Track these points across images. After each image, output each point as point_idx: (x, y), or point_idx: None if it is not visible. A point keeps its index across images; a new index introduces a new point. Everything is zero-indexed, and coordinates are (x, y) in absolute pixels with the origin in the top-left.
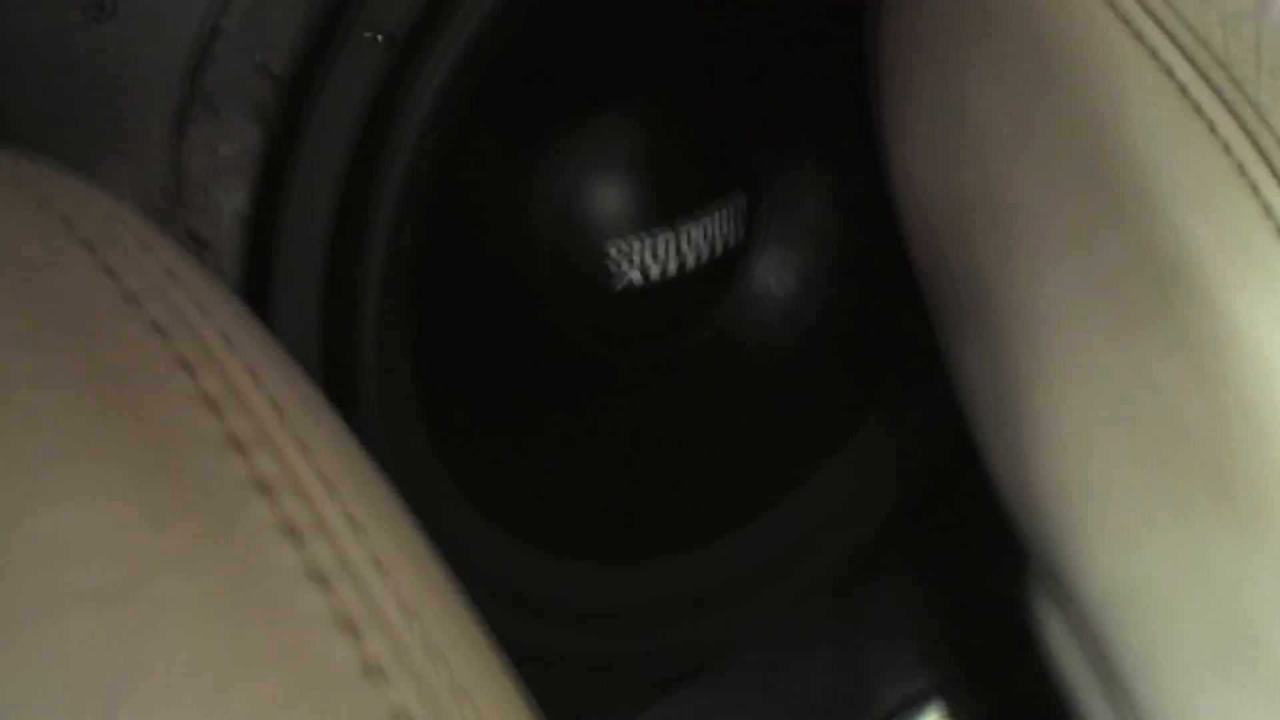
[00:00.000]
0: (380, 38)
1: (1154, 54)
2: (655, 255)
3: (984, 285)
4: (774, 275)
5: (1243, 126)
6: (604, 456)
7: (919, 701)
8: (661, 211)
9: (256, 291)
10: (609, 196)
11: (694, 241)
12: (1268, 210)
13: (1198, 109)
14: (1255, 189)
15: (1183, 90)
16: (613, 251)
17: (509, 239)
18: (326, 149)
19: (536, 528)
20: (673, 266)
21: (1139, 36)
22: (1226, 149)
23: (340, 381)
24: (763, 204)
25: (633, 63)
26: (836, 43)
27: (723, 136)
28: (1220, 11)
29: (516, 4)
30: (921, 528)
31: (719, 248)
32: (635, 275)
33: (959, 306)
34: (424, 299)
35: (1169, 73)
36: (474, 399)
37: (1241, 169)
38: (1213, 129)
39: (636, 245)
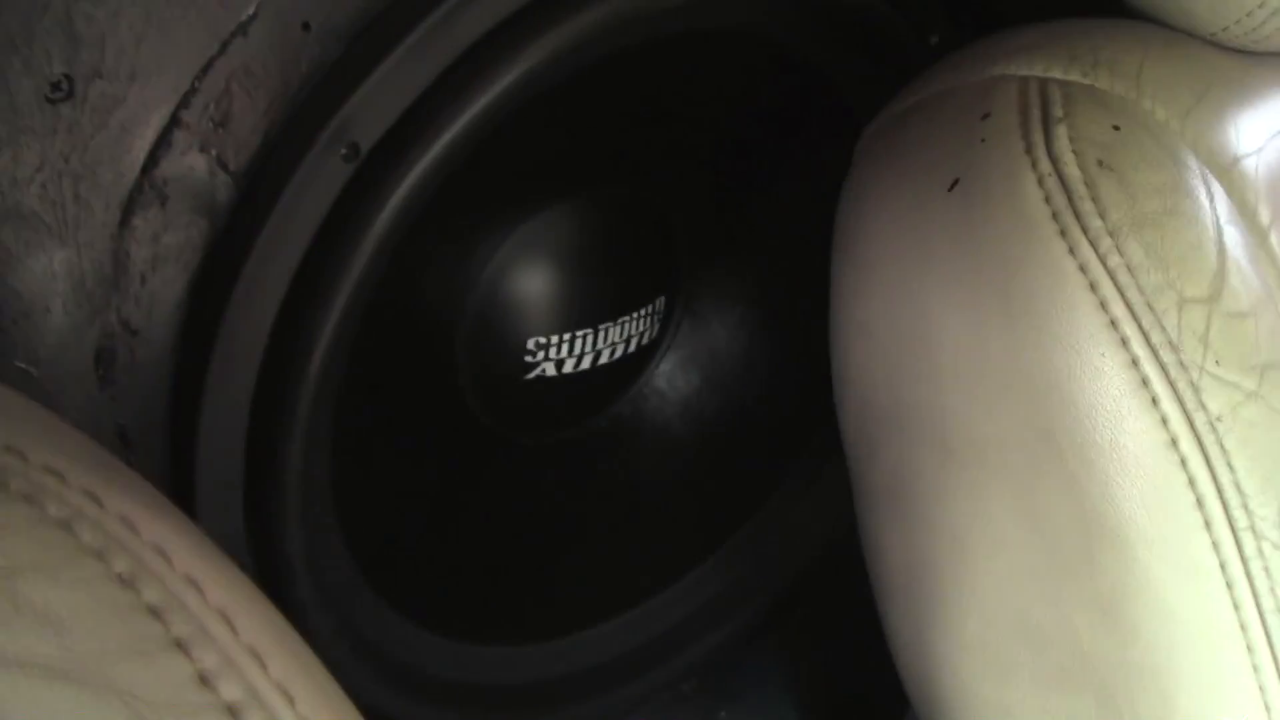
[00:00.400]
0: (344, 150)
1: (1114, 324)
2: (572, 351)
3: (916, 485)
4: (678, 372)
5: (1181, 405)
6: (506, 537)
7: None
8: (584, 313)
9: (187, 385)
10: (537, 296)
11: (609, 339)
12: (1191, 482)
13: (1145, 382)
14: (1184, 462)
15: (1134, 362)
16: (531, 345)
17: (435, 332)
18: (276, 252)
19: (444, 615)
20: (586, 362)
21: (1103, 305)
22: (1164, 422)
23: (262, 483)
24: (678, 305)
25: (573, 168)
26: (773, 168)
27: (652, 240)
28: (1179, 295)
29: (484, 122)
30: (792, 620)
31: (632, 346)
32: (549, 368)
33: (886, 494)
34: (347, 389)
35: (1124, 344)
36: (383, 485)
37: (1174, 443)
38: (1155, 402)
39: (555, 341)
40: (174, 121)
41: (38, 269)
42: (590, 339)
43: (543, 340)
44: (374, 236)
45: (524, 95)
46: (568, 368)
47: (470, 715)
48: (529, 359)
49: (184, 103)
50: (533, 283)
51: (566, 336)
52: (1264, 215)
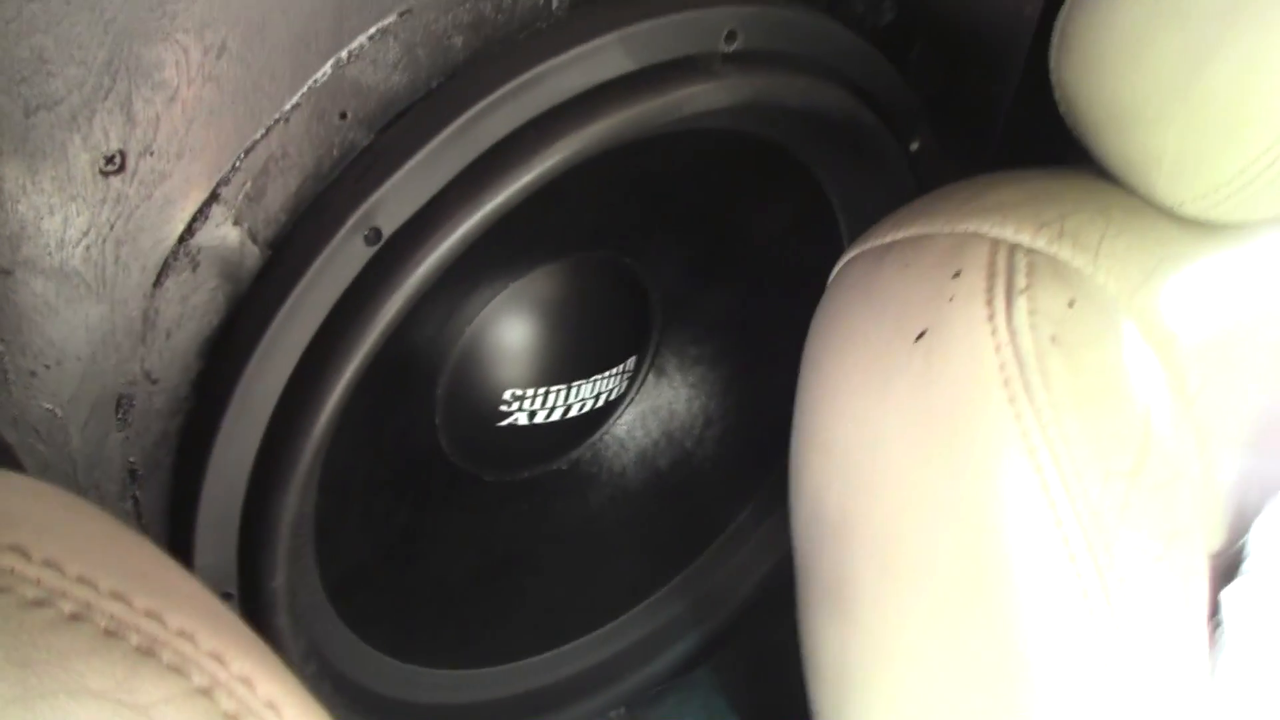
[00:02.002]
0: (367, 233)
1: (1045, 487)
2: (545, 404)
3: (854, 591)
4: (639, 424)
5: (1095, 563)
6: (463, 567)
7: None
8: (561, 369)
9: (197, 431)
10: (517, 351)
11: (581, 394)
12: (1098, 631)
13: (1066, 540)
14: (1092, 613)
15: (1059, 523)
16: (508, 396)
17: (419, 379)
18: (296, 322)
19: (399, 640)
20: (556, 414)
21: (1039, 470)
22: (1078, 576)
23: (258, 525)
24: (647, 364)
25: (562, 237)
26: (746, 246)
27: (629, 304)
28: (1106, 468)
29: (497, 216)
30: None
31: (601, 401)
32: (521, 418)
33: (827, 595)
34: (337, 433)
35: (1053, 506)
36: (356, 518)
37: (1085, 595)
38: (1073, 559)
39: (530, 394)
40: (213, 197)
41: (75, 321)
42: (563, 394)
43: (519, 392)
44: (387, 316)
45: (535, 190)
46: (539, 418)
47: None
48: (504, 408)
49: (224, 180)
50: (514, 338)
51: (541, 390)
52: (1192, 384)
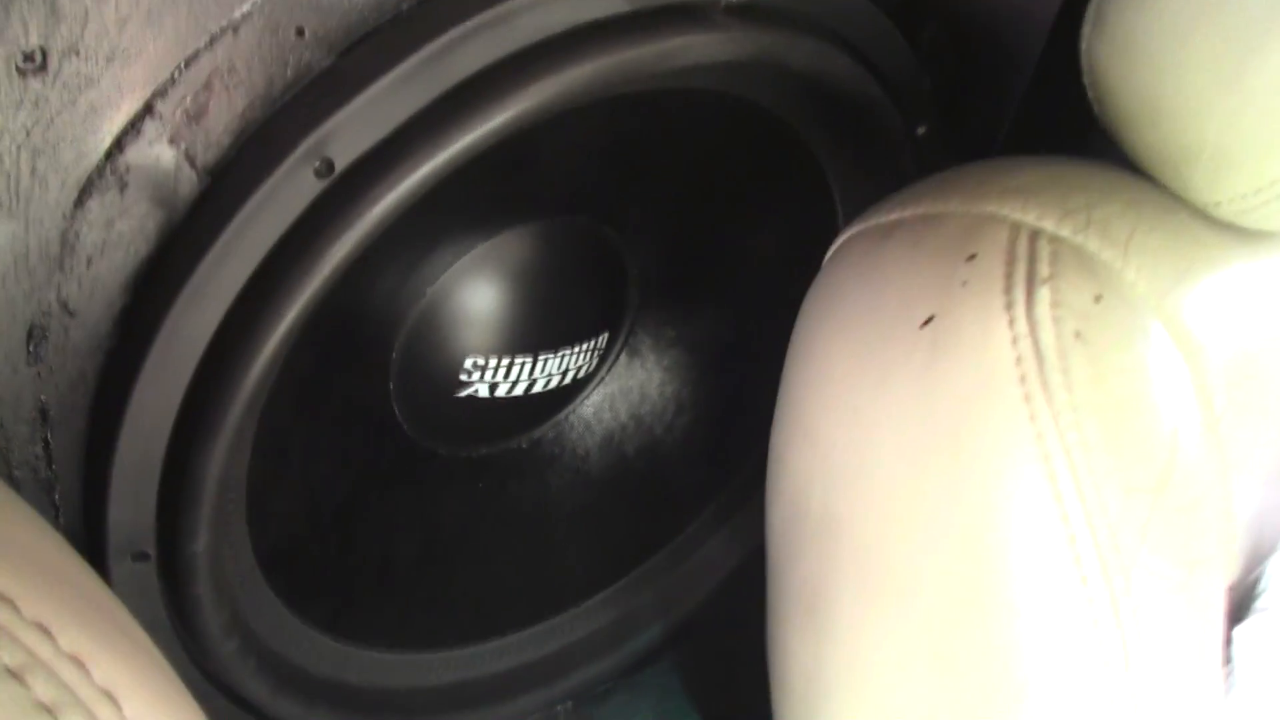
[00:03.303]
0: (318, 165)
1: (1059, 499)
2: (508, 376)
3: (832, 598)
4: (606, 405)
5: (1109, 588)
6: (408, 545)
7: None
8: (527, 339)
9: (117, 373)
10: (482, 316)
11: (548, 369)
12: (1107, 664)
13: (1077, 560)
14: (1102, 643)
15: (1071, 539)
16: (468, 364)
17: (373, 338)
18: (232, 257)
19: (335, 617)
20: (520, 389)
21: (1052, 478)
22: (1089, 602)
23: (179, 482)
24: (619, 342)
25: (538, 197)
26: (735, 224)
27: (606, 276)
28: (1126, 483)
29: (462, 160)
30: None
31: (568, 378)
32: (482, 389)
33: (801, 600)
34: (276, 389)
35: (1065, 519)
36: (295, 484)
37: (1096, 623)
38: (1084, 581)
39: (493, 364)
40: (147, 109)
41: None
42: (528, 367)
43: (480, 361)
44: (335, 259)
45: (506, 135)
46: (501, 391)
47: (349, 717)
48: (464, 377)
49: (160, 92)
50: (479, 302)
51: (505, 361)
52: (1219, 402)
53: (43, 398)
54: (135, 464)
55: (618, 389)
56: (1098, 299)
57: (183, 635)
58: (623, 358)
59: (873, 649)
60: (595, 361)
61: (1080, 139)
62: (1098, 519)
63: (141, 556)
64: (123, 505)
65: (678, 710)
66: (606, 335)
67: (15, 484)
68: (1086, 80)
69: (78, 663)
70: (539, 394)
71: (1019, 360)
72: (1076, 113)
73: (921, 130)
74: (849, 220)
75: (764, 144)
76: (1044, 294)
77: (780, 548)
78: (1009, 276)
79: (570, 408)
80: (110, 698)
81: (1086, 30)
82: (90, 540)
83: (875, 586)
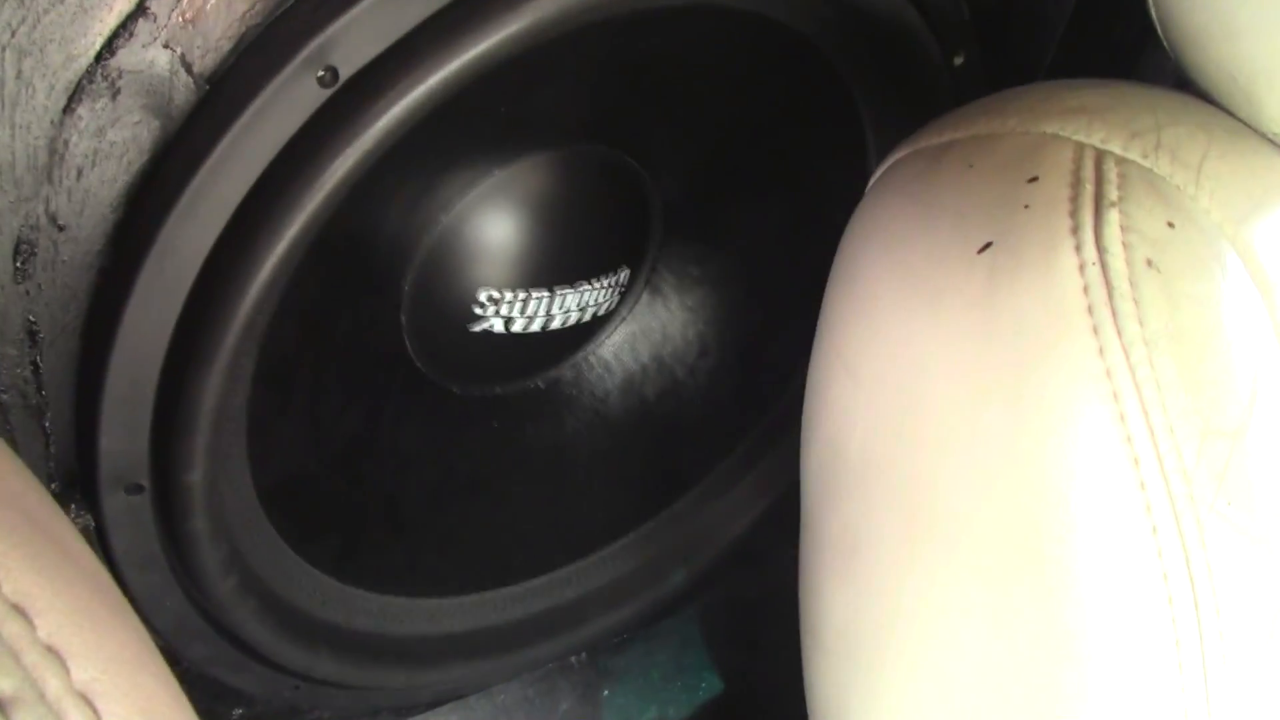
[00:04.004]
0: (322, 73)
1: (1129, 440)
2: (524, 312)
3: (875, 548)
4: (627, 346)
5: (1181, 540)
6: (419, 486)
7: None
8: (544, 272)
9: (109, 293)
10: (497, 247)
11: (565, 305)
12: (1174, 621)
13: (1148, 508)
14: (1171, 600)
15: (1141, 485)
16: (483, 297)
17: (384, 266)
18: (230, 169)
19: (342, 558)
20: (537, 325)
21: (1122, 418)
22: (1159, 554)
23: (174, 409)
24: (641, 279)
25: (558, 121)
26: (765, 158)
27: (628, 208)
28: (1204, 424)
29: (475, 69)
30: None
31: (587, 315)
32: (497, 324)
33: (839, 550)
34: (279, 315)
35: (1136, 463)
36: (299, 418)
37: (1165, 577)
38: (1154, 531)
39: (509, 298)
40: (140, 9)
41: None
42: (545, 302)
43: (495, 294)
44: (338, 172)
45: (522, 46)
46: (516, 328)
47: (352, 663)
48: (478, 310)
49: None
50: (495, 232)
51: (521, 295)
52: None
53: (31, 318)
54: (127, 390)
55: (639, 329)
56: (1170, 225)
57: (179, 573)
58: (644, 296)
59: (917, 600)
60: (615, 299)
61: (1124, 75)
62: (1171, 464)
63: (135, 489)
64: (114, 433)
65: (697, 663)
66: (627, 271)
67: (3, 409)
68: None
69: (20, 614)
70: (556, 332)
71: (1086, 289)
72: (1121, 46)
73: (959, 60)
74: (880, 153)
75: (792, 71)
76: (1113, 218)
77: (816, 492)
78: (1074, 200)
79: (589, 347)
80: (57, 653)
81: None
82: (82, 470)
83: (922, 533)
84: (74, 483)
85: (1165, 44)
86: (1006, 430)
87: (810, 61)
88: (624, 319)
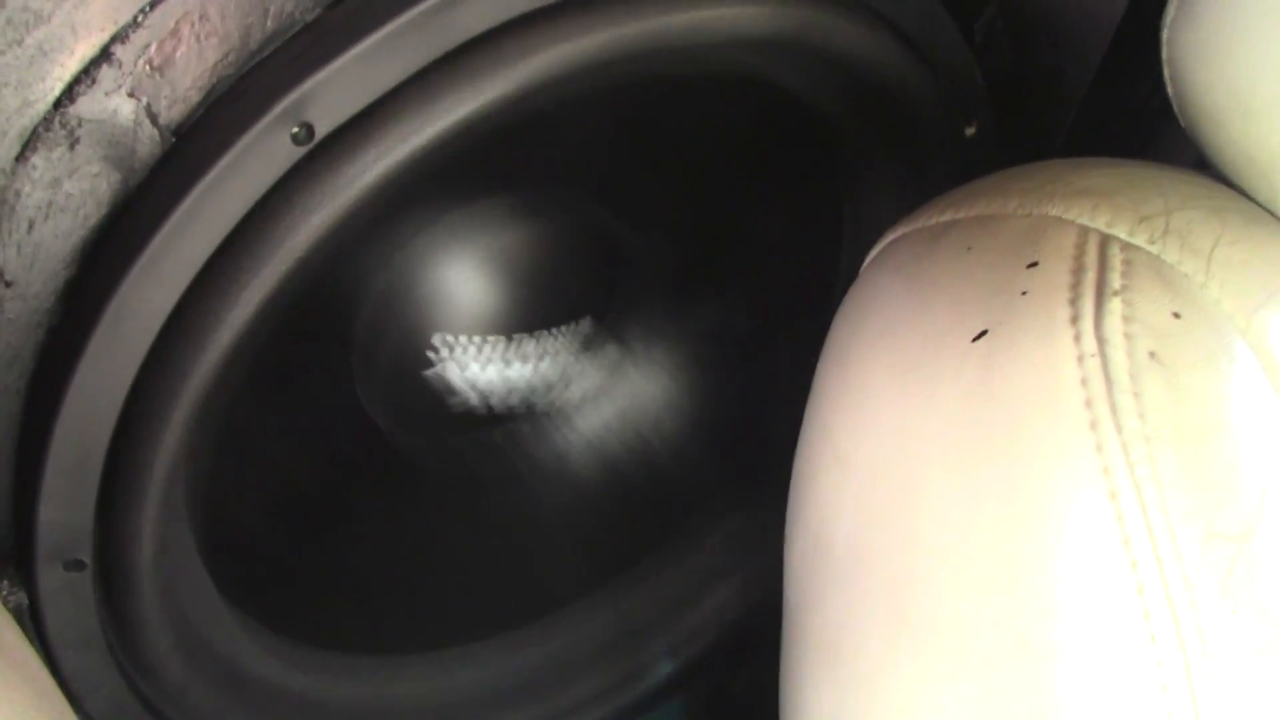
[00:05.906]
0: (296, 129)
1: (1127, 543)
2: (478, 357)
3: (861, 648)
4: (591, 401)
5: (1183, 651)
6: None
7: None
8: (500, 317)
9: (57, 355)
10: (453, 289)
11: (523, 353)
12: None
13: (1146, 615)
14: (1170, 715)
15: (1140, 589)
16: (436, 341)
17: (334, 308)
18: (195, 229)
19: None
20: (493, 374)
21: (1120, 519)
22: (1158, 665)
23: (123, 481)
24: (606, 332)
25: (525, 168)
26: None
27: (592, 256)
28: (1208, 528)
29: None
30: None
31: (547, 365)
32: (451, 371)
33: (824, 648)
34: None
35: (1134, 567)
36: (247, 477)
37: (1165, 689)
38: (1153, 640)
39: (463, 344)
40: (104, 55)
41: None
42: (500, 349)
43: (449, 338)
44: (311, 235)
45: (511, 109)
46: (472, 375)
47: None
48: (431, 355)
49: (120, 36)
50: (451, 274)
51: (475, 340)
52: None
53: None
54: (73, 458)
55: (605, 384)
56: (1176, 316)
57: (117, 653)
58: (611, 350)
59: (905, 701)
60: (578, 350)
61: (1144, 147)
62: (1171, 568)
63: (76, 565)
64: (57, 505)
65: None
66: (589, 320)
67: None
68: (1166, 73)
69: None
70: (515, 382)
71: (1084, 381)
72: (1142, 116)
73: (970, 130)
74: (875, 227)
75: (788, 135)
76: (1115, 307)
77: (800, 585)
78: (1075, 287)
79: (550, 399)
80: None
81: (1169, 16)
82: (18, 543)
83: (911, 632)
84: (7, 556)
85: (1182, 122)
86: (1000, 528)
87: (806, 127)
88: (586, 372)
